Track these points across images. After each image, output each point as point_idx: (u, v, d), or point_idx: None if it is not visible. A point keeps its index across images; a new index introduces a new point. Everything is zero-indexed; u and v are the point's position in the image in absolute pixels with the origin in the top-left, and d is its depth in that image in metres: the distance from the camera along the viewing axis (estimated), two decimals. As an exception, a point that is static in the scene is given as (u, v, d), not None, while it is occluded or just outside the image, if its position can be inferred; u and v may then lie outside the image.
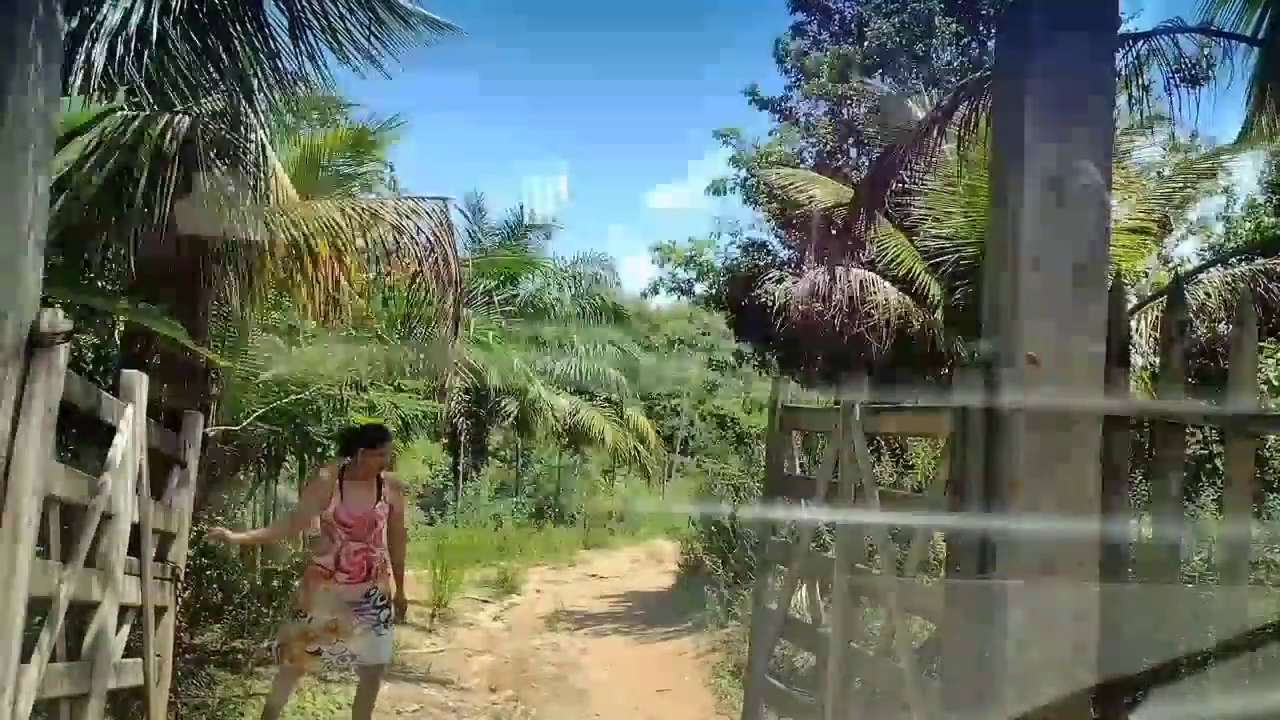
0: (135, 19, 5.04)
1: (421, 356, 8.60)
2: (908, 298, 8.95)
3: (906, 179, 7.35)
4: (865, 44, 12.61)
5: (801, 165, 11.93)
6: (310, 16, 5.69)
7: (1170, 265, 10.31)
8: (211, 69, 5.70)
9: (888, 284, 8.94)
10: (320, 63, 5.94)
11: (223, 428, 7.37)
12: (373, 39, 5.88)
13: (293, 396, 8.19)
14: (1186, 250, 11.42)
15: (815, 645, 5.58)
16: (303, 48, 5.76)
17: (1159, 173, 10.36)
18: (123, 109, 4.87)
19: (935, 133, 6.19)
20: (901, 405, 5.62)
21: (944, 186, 8.54)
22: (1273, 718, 2.18)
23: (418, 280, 6.48)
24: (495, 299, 16.37)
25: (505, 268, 16.32)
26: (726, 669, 7.97)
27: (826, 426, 5.48)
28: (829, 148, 12.52)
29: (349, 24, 5.78)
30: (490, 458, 25.33)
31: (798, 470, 6.29)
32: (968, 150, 6.31)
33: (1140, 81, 5.96)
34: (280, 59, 5.89)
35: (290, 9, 5.63)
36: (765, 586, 6.14)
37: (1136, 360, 7.38)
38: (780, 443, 6.10)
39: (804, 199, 9.96)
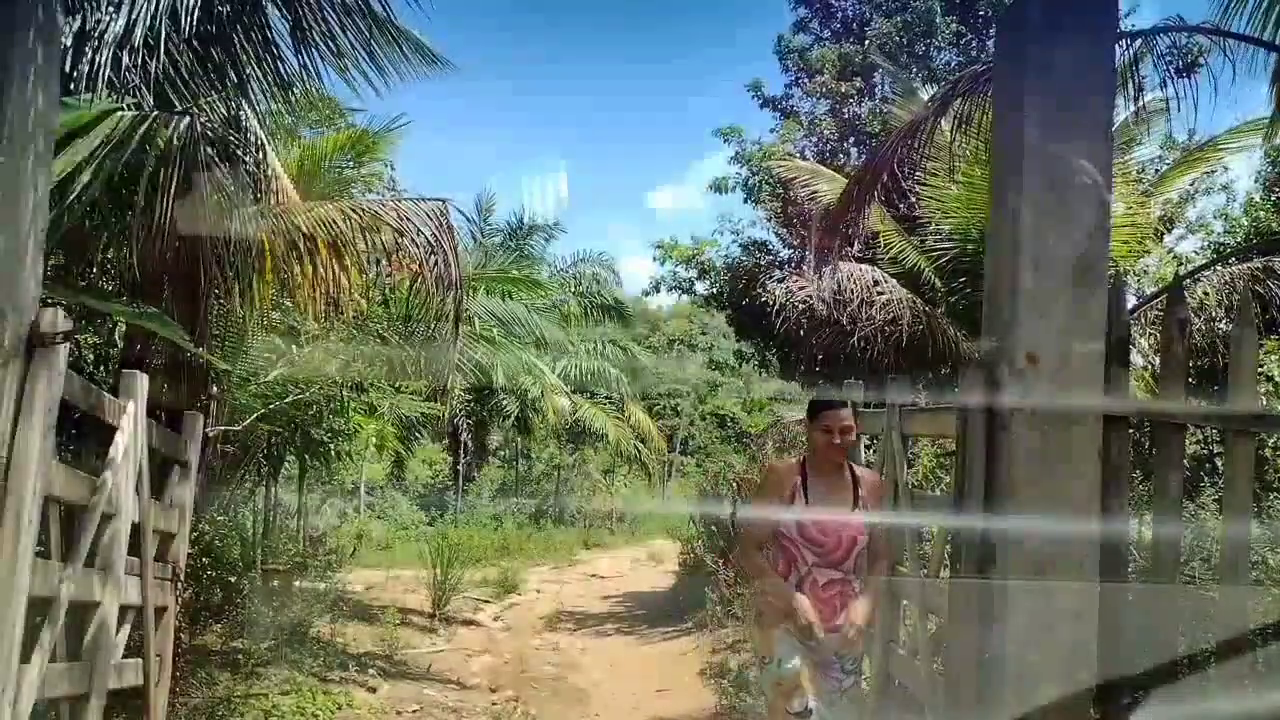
0: (140, 29, 5.07)
1: (423, 355, 8.61)
2: (914, 296, 8.94)
3: (902, 173, 7.35)
4: (866, 43, 12.61)
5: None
6: (315, 38, 5.75)
7: (1176, 260, 10.30)
8: (213, 74, 5.74)
9: (894, 282, 8.94)
10: (322, 68, 6.02)
11: (223, 428, 7.37)
12: (370, 61, 5.99)
13: (293, 397, 8.19)
14: (1186, 248, 11.43)
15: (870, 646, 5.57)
16: (303, 58, 5.84)
17: (1156, 170, 10.37)
18: (124, 110, 4.87)
19: (929, 127, 6.18)
20: (932, 406, 5.60)
21: (945, 181, 8.53)
22: (1273, 718, 2.19)
23: (418, 281, 6.49)
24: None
25: (507, 285, 16.33)
26: (727, 669, 7.97)
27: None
28: (829, 146, 12.53)
29: (350, 36, 5.84)
30: (491, 457, 25.34)
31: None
32: (964, 144, 6.30)
33: (1137, 79, 5.96)
34: (281, 65, 5.96)
35: (292, 12, 5.67)
36: None
37: (1136, 360, 7.38)
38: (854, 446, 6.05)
39: (807, 193, 9.96)
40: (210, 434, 6.70)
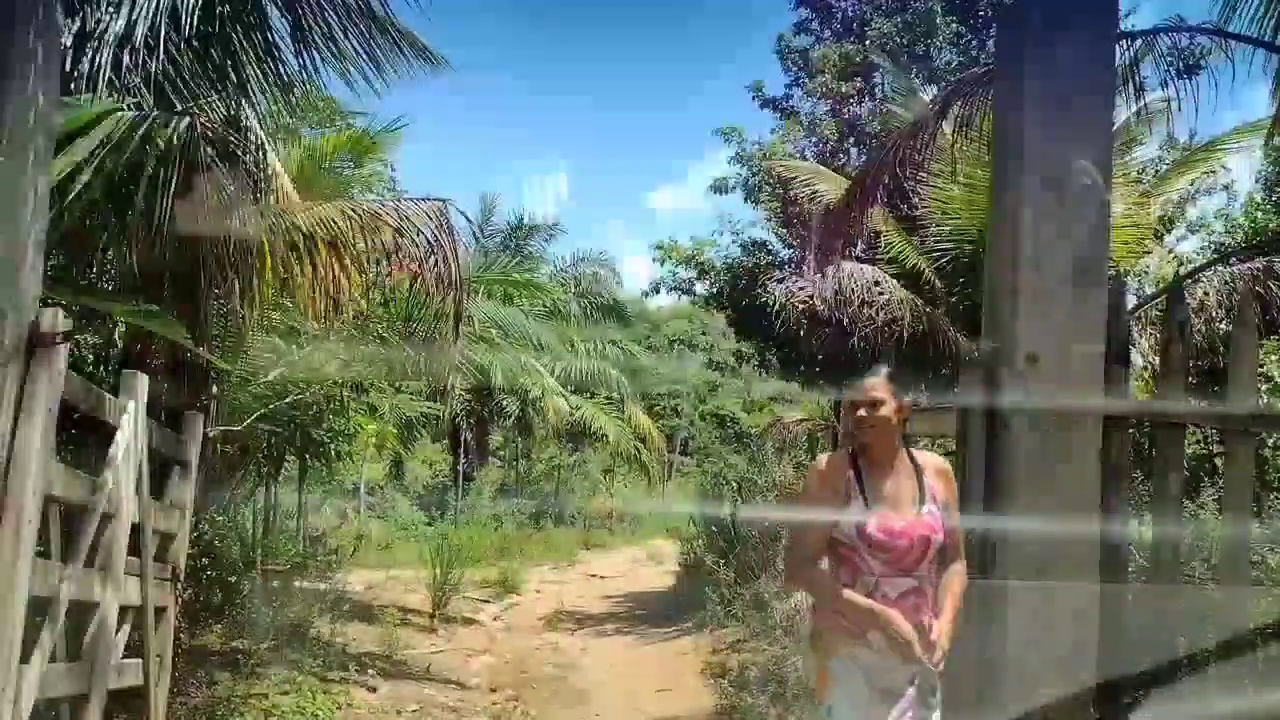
0: (140, 29, 5.08)
1: (423, 356, 8.61)
2: (914, 296, 8.94)
3: (904, 174, 7.36)
4: (867, 43, 12.62)
5: (802, 165, 11.91)
6: (316, 39, 5.77)
7: (1176, 260, 10.30)
8: (213, 73, 5.76)
9: (894, 282, 8.94)
10: (322, 68, 6.03)
11: (223, 428, 7.37)
12: (370, 61, 6.00)
13: (293, 397, 8.19)
14: (1186, 249, 11.44)
15: None
16: (303, 59, 5.86)
17: (1157, 170, 10.37)
18: (124, 110, 4.87)
19: (930, 128, 6.19)
20: (932, 406, 5.59)
21: (946, 182, 8.53)
22: (1273, 718, 2.19)
23: (419, 281, 6.49)
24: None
25: (508, 287, 16.38)
26: (727, 669, 7.97)
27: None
28: (829, 147, 12.52)
29: (350, 36, 5.86)
30: (491, 458, 25.34)
31: None
32: (966, 146, 6.32)
33: (1138, 80, 5.97)
34: (281, 65, 5.97)
35: (293, 13, 5.68)
36: None
37: (1136, 360, 7.38)
38: None
39: (808, 193, 9.96)
40: (210, 434, 6.69)
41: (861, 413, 3.15)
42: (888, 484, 3.16)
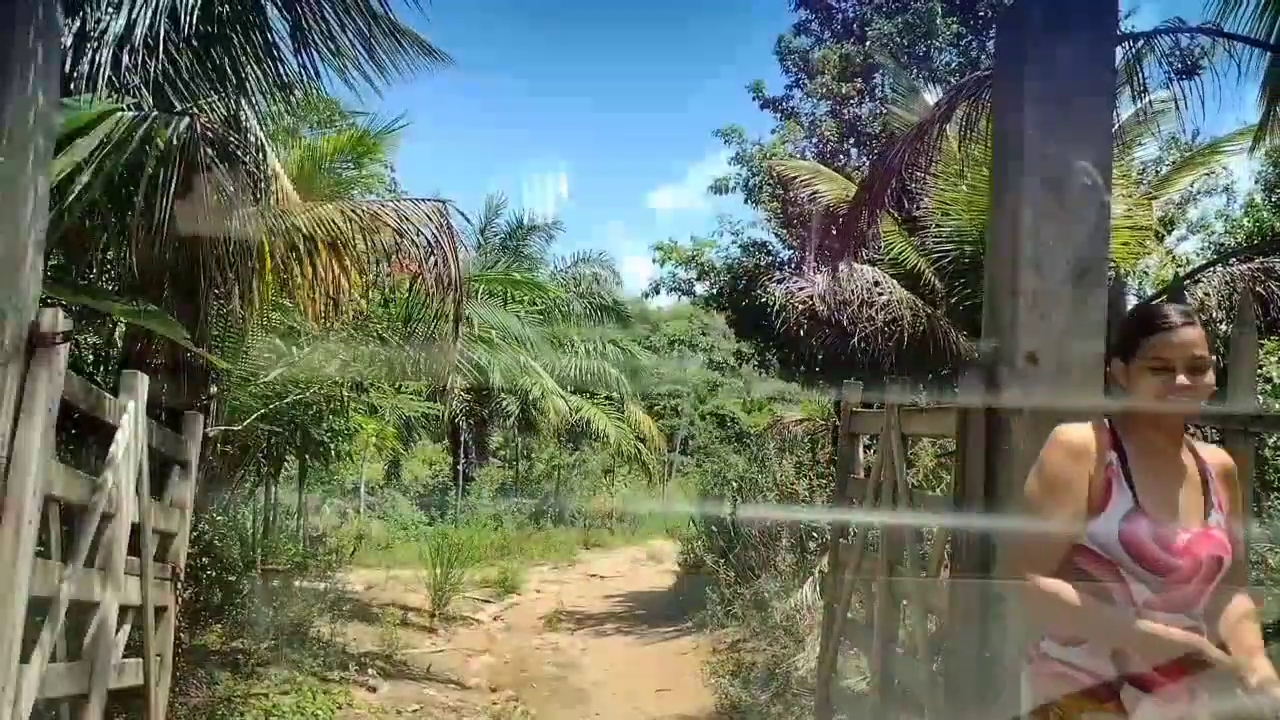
0: (140, 29, 5.08)
1: (423, 356, 8.61)
2: (914, 296, 8.94)
3: (908, 177, 7.35)
4: (867, 44, 12.62)
5: (802, 165, 11.90)
6: (315, 38, 5.77)
7: (1175, 260, 10.30)
8: (213, 74, 5.76)
9: (894, 282, 8.94)
10: (322, 68, 6.04)
11: (223, 428, 7.38)
12: (370, 59, 6.00)
13: (293, 397, 8.19)
14: (1187, 249, 11.44)
15: (867, 646, 5.52)
16: (303, 58, 5.86)
17: (1157, 170, 10.37)
18: (124, 110, 4.87)
19: (935, 131, 6.18)
20: (932, 406, 5.54)
21: (947, 184, 8.52)
22: (1272, 718, 2.18)
23: (418, 281, 6.49)
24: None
25: (510, 287, 16.40)
26: (727, 669, 7.97)
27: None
28: (829, 147, 12.53)
29: (349, 34, 5.86)
30: (491, 458, 25.35)
31: (862, 473, 5.96)
32: (970, 148, 6.32)
33: (1139, 81, 5.95)
34: (281, 65, 5.98)
35: (292, 13, 5.68)
36: (838, 587, 5.94)
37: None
38: (850, 445, 6.03)
39: (809, 193, 9.96)
40: (210, 434, 6.70)
41: (1182, 379, 2.11)
42: (1166, 479, 2.19)
